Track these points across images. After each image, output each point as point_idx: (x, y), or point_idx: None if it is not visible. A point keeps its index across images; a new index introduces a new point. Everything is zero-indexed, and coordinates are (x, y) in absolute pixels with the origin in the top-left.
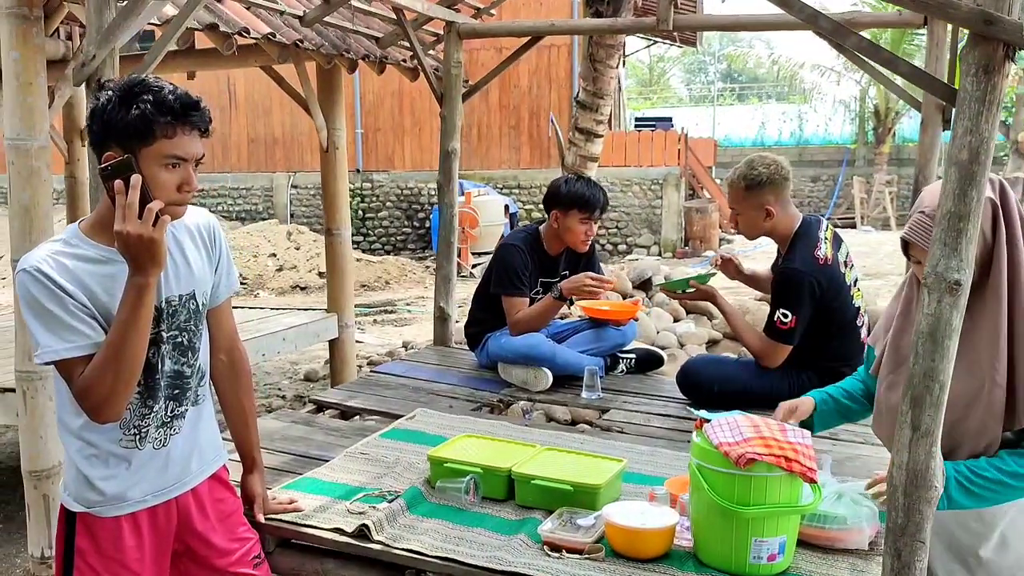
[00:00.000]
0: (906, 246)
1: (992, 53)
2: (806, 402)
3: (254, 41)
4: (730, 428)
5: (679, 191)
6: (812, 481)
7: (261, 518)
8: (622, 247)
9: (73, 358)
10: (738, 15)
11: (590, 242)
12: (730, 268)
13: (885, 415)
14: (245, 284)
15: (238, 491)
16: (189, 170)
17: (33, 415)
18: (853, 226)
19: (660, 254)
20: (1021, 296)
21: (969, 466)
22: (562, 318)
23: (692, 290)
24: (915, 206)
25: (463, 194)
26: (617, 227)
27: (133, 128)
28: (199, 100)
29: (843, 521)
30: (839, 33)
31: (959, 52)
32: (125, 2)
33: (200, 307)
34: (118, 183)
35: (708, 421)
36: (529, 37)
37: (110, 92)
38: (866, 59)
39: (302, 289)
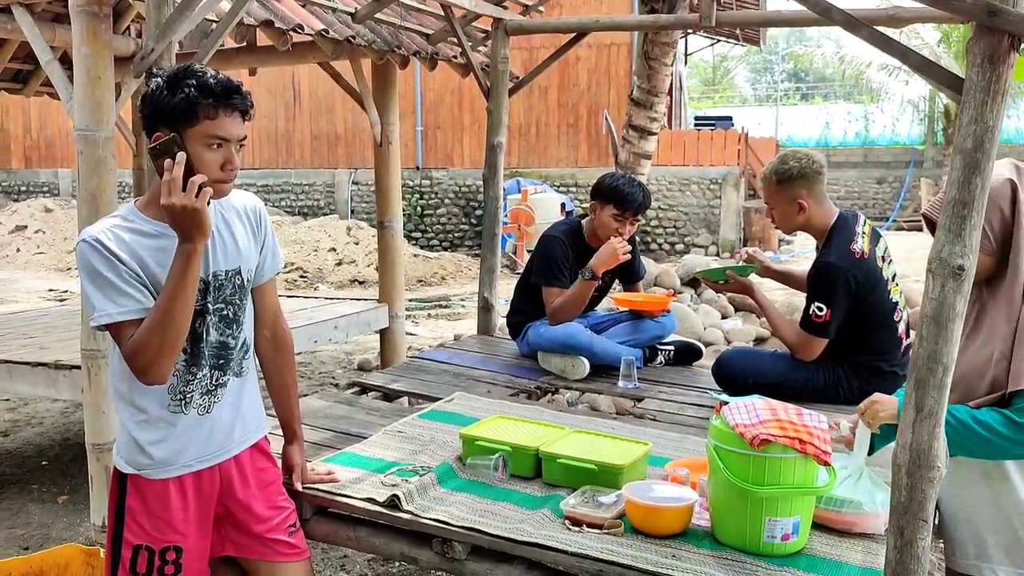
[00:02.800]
0: (932, 226)
1: (997, 44)
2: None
3: (309, 38)
4: (747, 410)
5: (738, 191)
6: (826, 463)
7: (299, 487)
8: (679, 247)
9: (125, 321)
10: (778, 11)
11: (624, 237)
12: (757, 265)
13: None
14: (305, 277)
15: (278, 462)
16: (231, 150)
17: (97, 391)
18: (919, 229)
19: (718, 254)
20: None
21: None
22: (609, 310)
23: (731, 281)
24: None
25: (520, 192)
26: (675, 227)
27: (179, 110)
28: (240, 84)
29: (859, 506)
30: (851, 25)
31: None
32: None
33: (245, 283)
34: (167, 162)
35: (727, 404)
36: (574, 34)
37: (159, 79)
38: (881, 50)
39: (360, 283)
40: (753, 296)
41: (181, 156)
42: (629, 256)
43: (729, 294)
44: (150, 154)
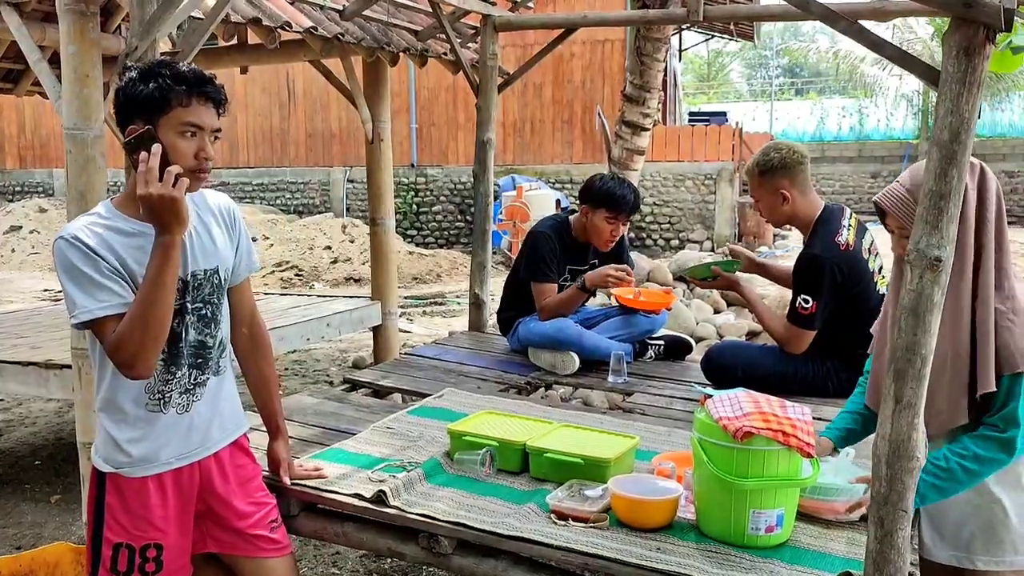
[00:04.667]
0: (882, 215)
1: (972, 36)
2: (824, 444)
3: (298, 35)
4: (731, 403)
5: (733, 186)
6: (809, 455)
7: (287, 481)
8: (674, 242)
9: (106, 316)
10: (764, 6)
11: (612, 246)
12: (743, 260)
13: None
14: (301, 276)
15: (257, 458)
16: (205, 139)
17: (88, 390)
18: None
19: (713, 249)
20: (983, 273)
21: (931, 460)
22: (602, 306)
23: (716, 278)
24: (897, 178)
25: (515, 188)
26: (670, 222)
27: (152, 99)
28: (213, 76)
29: (836, 492)
30: (829, 18)
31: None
32: None
33: (222, 282)
34: (143, 154)
35: (711, 397)
36: (562, 30)
37: (133, 73)
38: (856, 41)
39: (356, 281)
40: (740, 291)
41: (156, 147)
42: (627, 284)
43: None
44: (125, 148)
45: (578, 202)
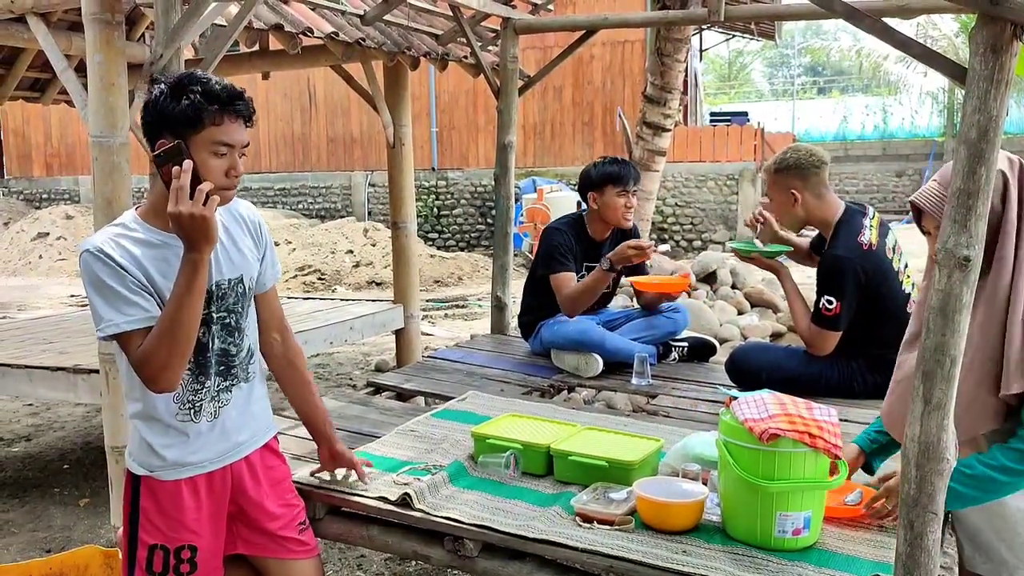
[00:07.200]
0: (919, 216)
1: (1000, 33)
2: (850, 450)
3: (319, 41)
4: (756, 405)
5: (755, 186)
6: (837, 458)
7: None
8: (697, 243)
9: (133, 330)
10: (787, 5)
11: (632, 221)
12: (766, 230)
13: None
14: (323, 280)
15: (288, 460)
16: (235, 156)
17: (115, 394)
18: None
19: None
20: (1019, 276)
21: (959, 467)
22: (624, 307)
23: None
24: (932, 178)
25: (536, 190)
26: (692, 223)
27: (184, 117)
28: (243, 91)
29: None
30: (853, 16)
31: None
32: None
33: (247, 290)
34: (174, 169)
35: (736, 399)
36: (583, 32)
37: (162, 85)
38: (882, 40)
39: (378, 284)
40: (780, 278)
41: (188, 163)
42: (647, 257)
43: (747, 289)
44: (154, 161)
45: (581, 198)
